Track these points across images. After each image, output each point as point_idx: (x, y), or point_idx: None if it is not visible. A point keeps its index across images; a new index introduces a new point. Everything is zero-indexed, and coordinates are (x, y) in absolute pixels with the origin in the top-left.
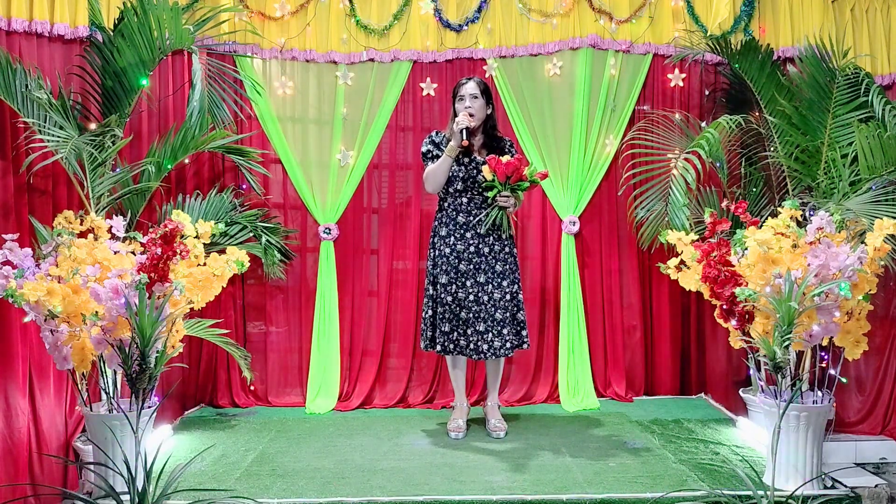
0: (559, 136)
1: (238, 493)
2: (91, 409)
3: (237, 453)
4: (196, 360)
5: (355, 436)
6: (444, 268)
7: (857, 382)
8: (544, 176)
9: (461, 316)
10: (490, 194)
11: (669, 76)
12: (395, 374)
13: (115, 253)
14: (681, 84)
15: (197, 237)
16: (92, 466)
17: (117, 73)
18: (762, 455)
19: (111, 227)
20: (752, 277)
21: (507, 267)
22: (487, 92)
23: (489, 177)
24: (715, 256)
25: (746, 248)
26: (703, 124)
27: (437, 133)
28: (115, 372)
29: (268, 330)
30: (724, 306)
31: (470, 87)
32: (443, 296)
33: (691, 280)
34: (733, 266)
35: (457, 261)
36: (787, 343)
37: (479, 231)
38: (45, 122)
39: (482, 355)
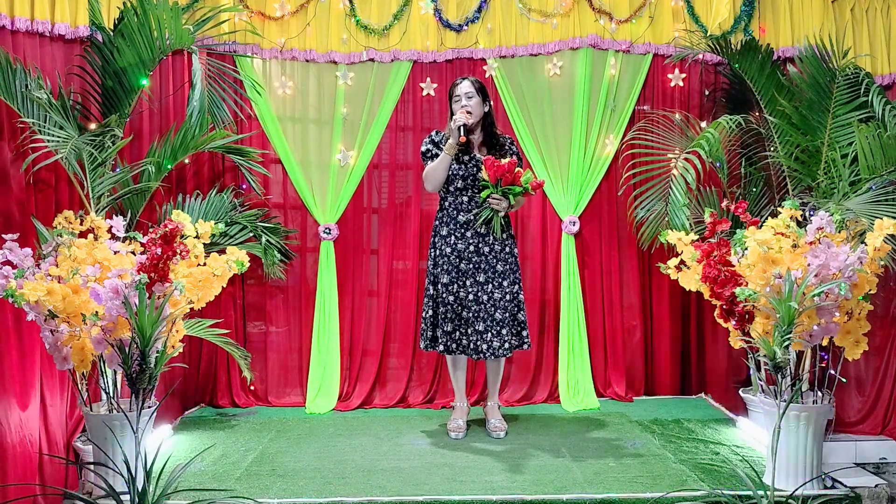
0: (559, 136)
1: (238, 493)
2: (91, 409)
3: (237, 453)
4: (196, 360)
5: (355, 436)
6: (445, 267)
7: (857, 382)
8: (538, 185)
9: (463, 315)
10: (483, 194)
11: (669, 76)
12: (395, 374)
13: (115, 253)
14: (681, 84)
15: (197, 237)
16: (92, 466)
17: (117, 73)
18: (762, 455)
19: (111, 227)
20: (752, 277)
21: (508, 267)
22: (483, 90)
23: (485, 176)
24: (715, 256)
25: (746, 248)
26: (703, 124)
27: (436, 132)
28: (115, 372)
29: (268, 330)
30: (724, 306)
31: (465, 87)
32: (444, 295)
33: (691, 280)
34: (733, 266)
35: (458, 260)
36: (787, 343)
37: (479, 230)
38: (45, 122)
39: (482, 355)
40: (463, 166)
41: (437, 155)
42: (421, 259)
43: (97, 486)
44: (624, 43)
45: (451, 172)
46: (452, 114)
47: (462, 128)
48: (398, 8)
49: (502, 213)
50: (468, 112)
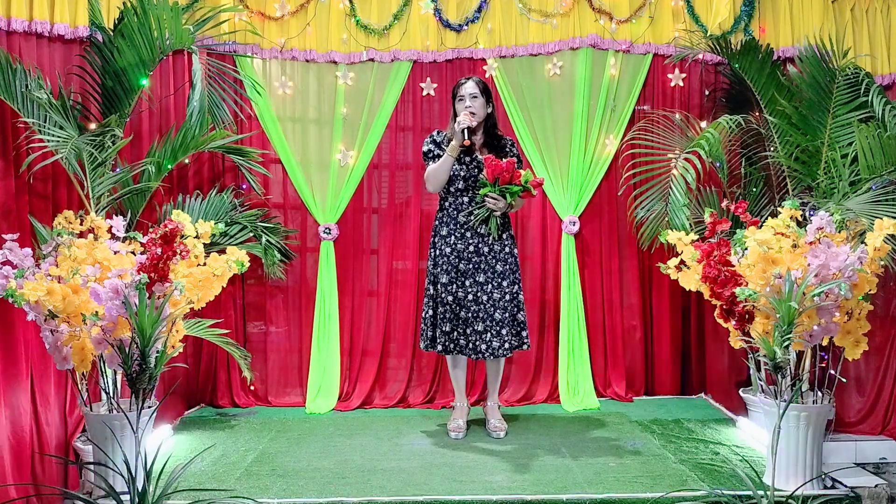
0: (559, 136)
1: (238, 493)
2: (91, 409)
3: (237, 453)
4: (196, 360)
5: (355, 436)
6: (444, 267)
7: (857, 382)
8: (538, 184)
9: (461, 315)
10: (481, 192)
11: (669, 76)
12: (395, 374)
13: (115, 253)
14: (681, 84)
15: (197, 237)
16: (92, 466)
17: (117, 73)
18: (762, 455)
19: (111, 227)
20: (752, 277)
21: (508, 267)
22: (487, 91)
23: (485, 175)
24: (715, 256)
25: (746, 248)
26: (703, 124)
27: (438, 132)
28: (115, 372)
29: (268, 330)
30: (724, 306)
31: (469, 87)
32: (443, 295)
33: (691, 280)
34: (733, 266)
35: (457, 260)
36: (787, 343)
37: (478, 230)
38: (45, 122)
39: (480, 355)
40: (464, 167)
41: (438, 155)
42: (421, 259)
43: (97, 486)
44: (624, 43)
45: (451, 173)
46: (455, 113)
47: (466, 130)
48: (398, 8)
49: (498, 213)
50: (472, 113)
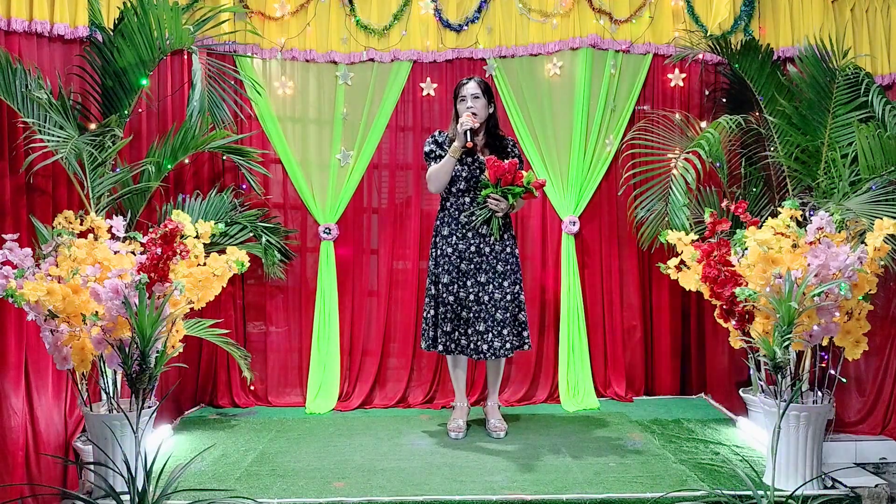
0: (559, 136)
1: (238, 493)
2: (91, 409)
3: (237, 453)
4: (196, 360)
5: (355, 436)
6: (445, 267)
7: (857, 382)
8: (541, 185)
9: (462, 315)
10: (483, 193)
11: (669, 76)
12: (395, 374)
13: (115, 253)
14: (681, 84)
15: (197, 237)
16: (92, 466)
17: (117, 73)
18: (762, 455)
19: (111, 227)
20: (752, 277)
21: (509, 267)
22: (489, 91)
23: (487, 176)
24: (715, 256)
25: (746, 248)
26: (703, 124)
27: (439, 133)
28: (115, 372)
29: (268, 330)
30: (724, 306)
31: (471, 87)
32: (444, 295)
33: (691, 280)
34: (733, 266)
35: (458, 260)
36: (787, 343)
37: (480, 230)
38: (45, 122)
39: (482, 355)
40: (466, 168)
41: (440, 156)
42: (421, 259)
43: (97, 486)
44: (624, 43)
45: (453, 174)
46: (457, 114)
47: (468, 132)
48: (398, 8)
49: (500, 214)
50: (474, 114)
